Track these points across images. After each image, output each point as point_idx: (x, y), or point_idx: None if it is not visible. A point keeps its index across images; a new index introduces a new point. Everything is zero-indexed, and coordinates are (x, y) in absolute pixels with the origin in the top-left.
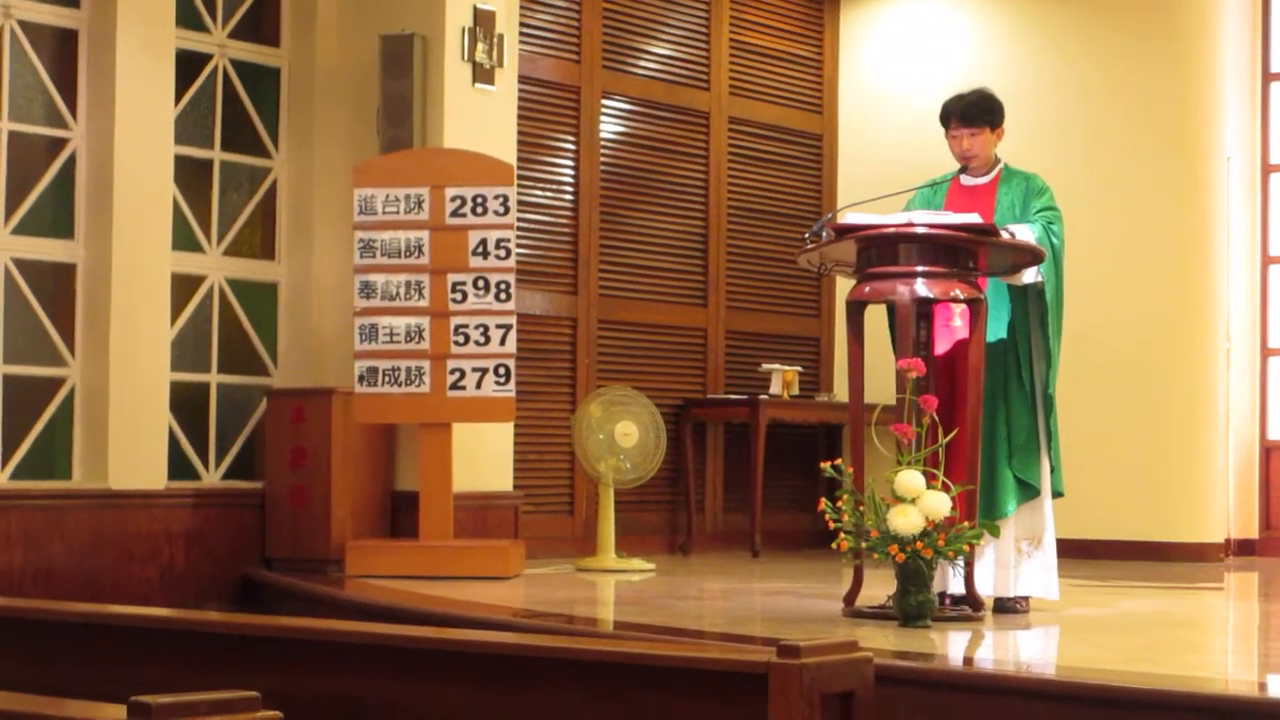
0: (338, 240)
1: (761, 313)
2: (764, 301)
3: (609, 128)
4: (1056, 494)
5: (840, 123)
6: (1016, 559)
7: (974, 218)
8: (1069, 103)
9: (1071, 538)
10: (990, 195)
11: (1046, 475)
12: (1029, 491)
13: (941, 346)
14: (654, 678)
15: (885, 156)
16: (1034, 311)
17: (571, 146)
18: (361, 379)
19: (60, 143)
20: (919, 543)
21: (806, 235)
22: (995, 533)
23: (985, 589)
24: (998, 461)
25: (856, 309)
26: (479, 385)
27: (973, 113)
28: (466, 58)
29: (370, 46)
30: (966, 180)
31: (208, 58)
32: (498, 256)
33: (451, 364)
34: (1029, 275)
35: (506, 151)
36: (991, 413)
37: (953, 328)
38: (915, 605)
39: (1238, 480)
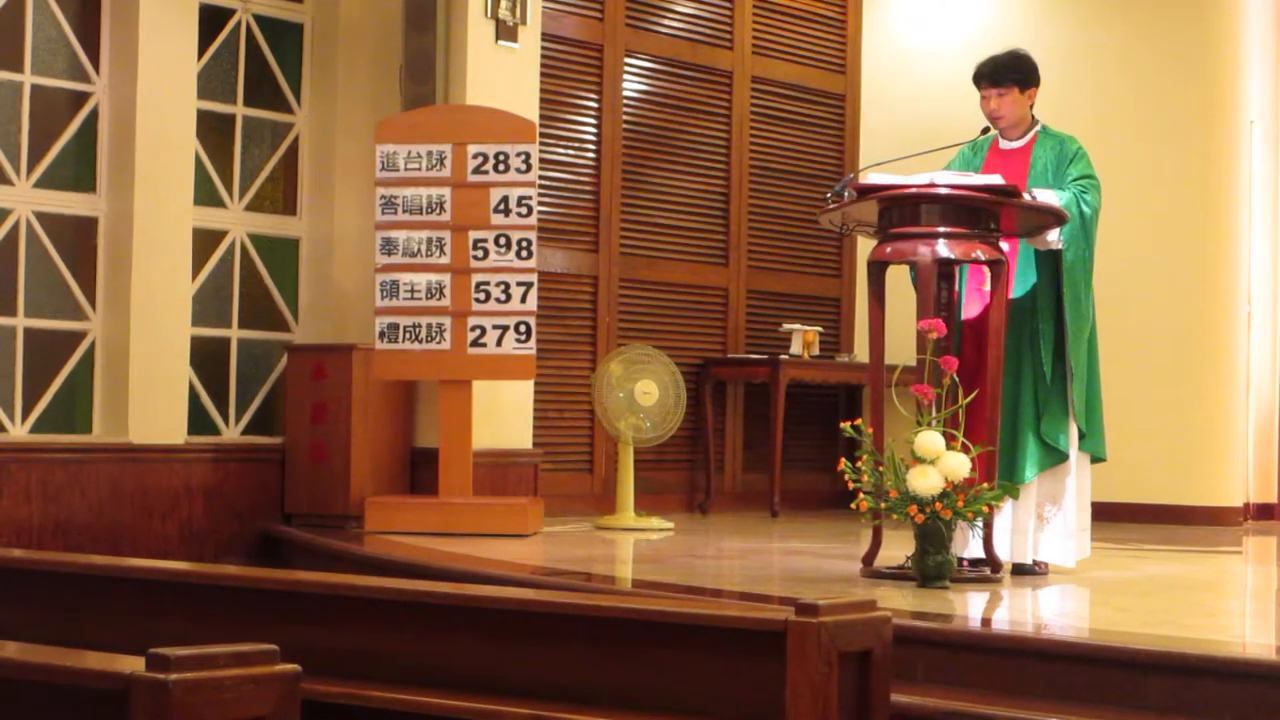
0: (359, 196)
1: (782, 272)
2: (785, 261)
3: (632, 86)
4: (1096, 459)
5: (863, 83)
6: (1036, 525)
7: (996, 179)
8: (1091, 64)
9: (1091, 500)
10: (1025, 158)
11: (1074, 441)
12: (1053, 457)
13: (972, 310)
14: (672, 635)
15: (908, 117)
16: (1060, 275)
17: (594, 105)
18: (382, 335)
19: (83, 96)
20: (938, 503)
21: (829, 195)
22: (1014, 494)
23: (1001, 555)
24: (1020, 426)
25: (877, 269)
26: (499, 343)
27: (1001, 73)
28: (490, 15)
29: (394, 2)
30: (1004, 144)
31: (231, 12)
32: (519, 214)
33: (472, 321)
34: (1053, 238)
35: (529, 109)
36: (1015, 377)
37: (983, 291)
38: (934, 566)
39: (1258, 444)
